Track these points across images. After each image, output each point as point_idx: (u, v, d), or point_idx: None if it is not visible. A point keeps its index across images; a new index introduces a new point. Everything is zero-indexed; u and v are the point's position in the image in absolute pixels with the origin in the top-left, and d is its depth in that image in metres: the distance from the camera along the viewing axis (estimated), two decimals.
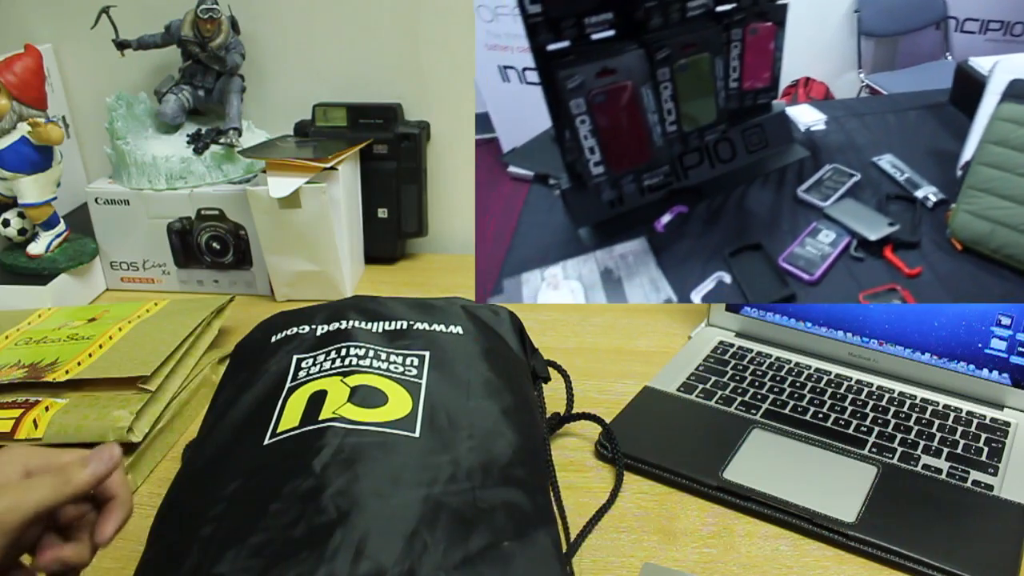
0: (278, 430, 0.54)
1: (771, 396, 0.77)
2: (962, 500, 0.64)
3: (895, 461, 0.68)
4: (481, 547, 0.49)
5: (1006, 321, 0.73)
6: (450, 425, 0.56)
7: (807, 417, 0.74)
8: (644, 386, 0.79)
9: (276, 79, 1.10)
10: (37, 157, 0.93)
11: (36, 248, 0.97)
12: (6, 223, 0.98)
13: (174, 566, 0.48)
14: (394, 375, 0.59)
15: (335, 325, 0.64)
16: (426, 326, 0.64)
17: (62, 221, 0.99)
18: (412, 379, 0.59)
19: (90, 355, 0.74)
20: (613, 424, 0.73)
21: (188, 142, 1.01)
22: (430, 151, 1.10)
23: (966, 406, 0.75)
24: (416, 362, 0.60)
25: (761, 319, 0.85)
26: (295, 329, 0.64)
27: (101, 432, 0.66)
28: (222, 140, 1.00)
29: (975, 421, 0.73)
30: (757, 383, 0.78)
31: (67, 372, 0.71)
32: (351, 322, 0.64)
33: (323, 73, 1.09)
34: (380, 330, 0.64)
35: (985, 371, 0.75)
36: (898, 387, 0.78)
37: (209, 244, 1.00)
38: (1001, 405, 0.75)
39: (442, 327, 0.65)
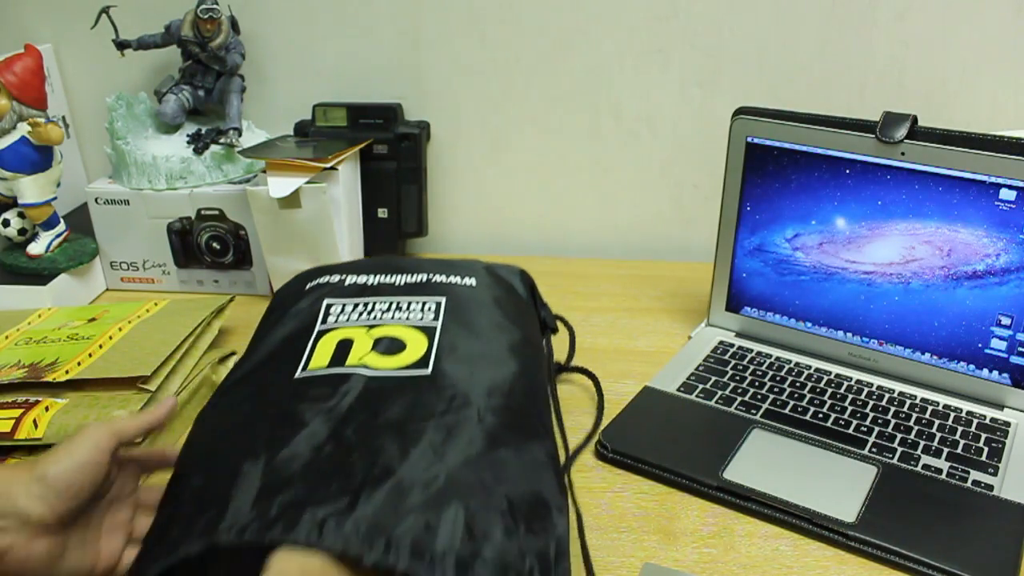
0: (308, 367, 0.61)
1: (771, 396, 0.77)
2: (962, 500, 0.64)
3: (895, 461, 0.68)
4: (480, 452, 0.54)
5: (1006, 321, 0.73)
6: (459, 360, 0.62)
7: (807, 417, 0.74)
8: (644, 386, 0.79)
9: (276, 79, 1.10)
10: (37, 157, 0.93)
11: (36, 248, 0.97)
12: (6, 223, 0.98)
13: (200, 477, 0.53)
14: (413, 322, 0.66)
15: (363, 278, 0.71)
16: (444, 278, 0.71)
17: (62, 221, 0.99)
18: (429, 323, 0.65)
19: (90, 355, 0.74)
20: (613, 424, 0.74)
21: (188, 142, 1.01)
22: (430, 151, 1.10)
23: (966, 406, 0.75)
24: (433, 307, 0.67)
25: (761, 319, 0.85)
26: (327, 278, 0.71)
27: None
28: (222, 140, 1.00)
29: (975, 421, 0.73)
30: (757, 383, 0.78)
31: (67, 372, 0.71)
32: (378, 276, 0.71)
33: (323, 73, 1.09)
34: (403, 283, 0.71)
35: (985, 371, 0.75)
36: (898, 387, 0.78)
37: (209, 244, 1.00)
38: (1001, 405, 0.75)
39: (458, 279, 0.72)
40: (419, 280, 0.71)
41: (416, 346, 0.63)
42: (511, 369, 0.63)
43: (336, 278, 0.71)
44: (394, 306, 0.67)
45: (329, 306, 0.67)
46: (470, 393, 0.59)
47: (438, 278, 0.71)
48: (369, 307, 0.67)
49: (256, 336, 0.68)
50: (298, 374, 0.60)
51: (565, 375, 0.82)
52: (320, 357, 0.62)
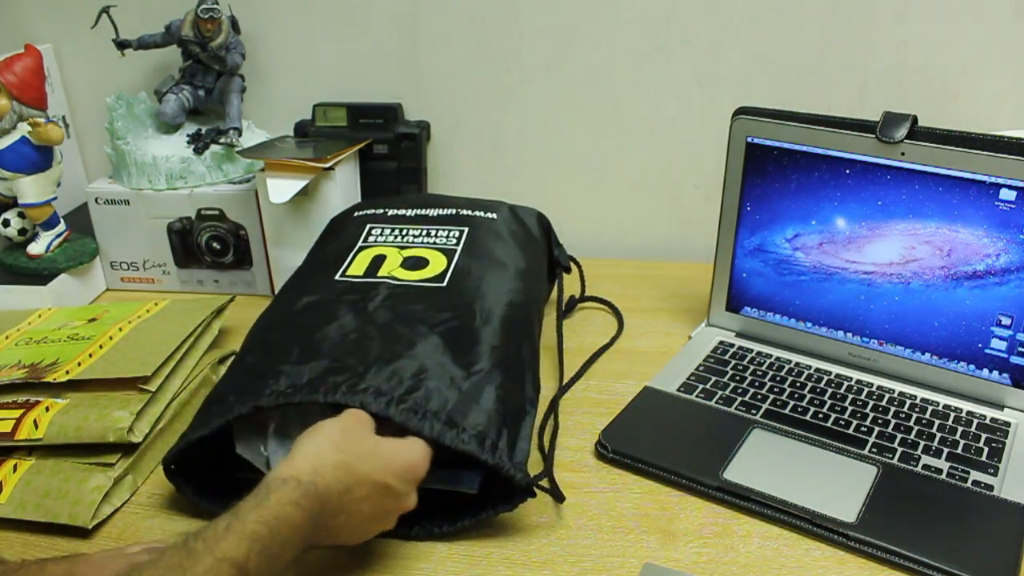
0: (347, 273, 0.76)
1: (771, 396, 0.77)
2: (962, 500, 0.64)
3: (895, 461, 0.68)
4: (469, 345, 0.67)
5: (1006, 321, 0.73)
6: (470, 279, 0.75)
7: (807, 417, 0.74)
8: (644, 386, 0.79)
9: (276, 79, 1.10)
10: (37, 157, 0.93)
11: (36, 248, 0.97)
12: (6, 223, 0.98)
13: (252, 356, 0.67)
14: (438, 246, 0.79)
15: (403, 211, 0.85)
16: (470, 212, 0.84)
17: (62, 221, 0.99)
18: (451, 247, 0.79)
19: (90, 355, 0.74)
20: (613, 424, 0.74)
21: (188, 142, 1.01)
22: (430, 151, 1.10)
23: (966, 406, 0.75)
24: (456, 234, 0.81)
25: (761, 319, 0.85)
26: (373, 210, 0.86)
27: (101, 432, 0.66)
28: (222, 140, 1.00)
29: (975, 421, 0.73)
30: (757, 383, 0.78)
31: (67, 372, 0.71)
32: (415, 209, 0.85)
33: (323, 73, 1.09)
34: (435, 215, 0.84)
35: (985, 371, 0.75)
36: (898, 387, 0.78)
37: (209, 244, 1.00)
38: (1001, 405, 0.75)
39: (482, 213, 0.85)
40: (450, 213, 0.84)
41: (437, 264, 0.76)
42: (511, 290, 0.75)
43: (381, 210, 0.85)
44: (424, 233, 0.81)
45: (371, 229, 0.82)
46: (473, 305, 0.71)
47: (465, 212, 0.84)
48: (404, 232, 0.81)
49: (311, 251, 0.84)
50: (337, 277, 0.75)
51: (571, 396, 0.82)
52: (358, 266, 0.76)
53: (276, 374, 0.62)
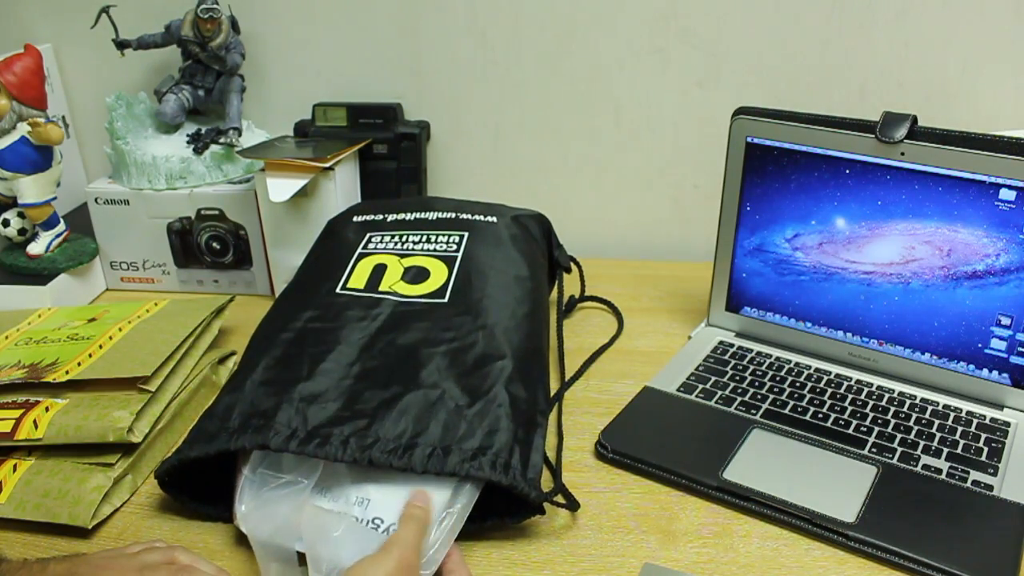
0: (347, 285, 0.75)
1: (771, 396, 0.77)
2: (962, 500, 0.64)
3: (895, 461, 0.68)
4: (475, 365, 0.66)
5: (1006, 321, 0.73)
6: (471, 290, 0.74)
7: (807, 417, 0.74)
8: (644, 386, 0.79)
9: (276, 79, 1.10)
10: (37, 157, 0.93)
11: (36, 248, 0.97)
12: (6, 223, 0.98)
13: (254, 380, 0.65)
14: (438, 253, 0.78)
15: (403, 216, 0.84)
16: (469, 216, 0.84)
17: (62, 221, 0.99)
18: (451, 254, 0.78)
19: (90, 355, 0.74)
20: (613, 424, 0.73)
21: (188, 142, 1.01)
22: (430, 151, 1.10)
23: (966, 406, 0.75)
24: (457, 239, 0.80)
25: (761, 319, 0.85)
26: (372, 216, 0.85)
27: (101, 432, 0.66)
28: (222, 140, 1.00)
29: (975, 421, 0.73)
30: (757, 383, 0.78)
31: (67, 372, 0.71)
32: (415, 213, 0.84)
33: (323, 73, 1.09)
34: (435, 218, 0.83)
35: (985, 371, 0.75)
36: (898, 387, 0.78)
37: (209, 244, 1.00)
38: (1001, 405, 0.75)
39: (482, 216, 0.84)
40: (449, 217, 0.83)
41: (438, 275, 0.75)
42: (515, 300, 0.74)
43: (380, 217, 0.85)
44: (424, 239, 0.80)
45: (371, 237, 0.81)
46: (476, 321, 0.70)
47: (465, 216, 0.84)
48: (403, 239, 0.80)
49: (309, 255, 0.83)
50: (338, 290, 0.74)
51: (572, 394, 0.82)
52: (358, 277, 0.75)
53: (278, 409, 0.61)
